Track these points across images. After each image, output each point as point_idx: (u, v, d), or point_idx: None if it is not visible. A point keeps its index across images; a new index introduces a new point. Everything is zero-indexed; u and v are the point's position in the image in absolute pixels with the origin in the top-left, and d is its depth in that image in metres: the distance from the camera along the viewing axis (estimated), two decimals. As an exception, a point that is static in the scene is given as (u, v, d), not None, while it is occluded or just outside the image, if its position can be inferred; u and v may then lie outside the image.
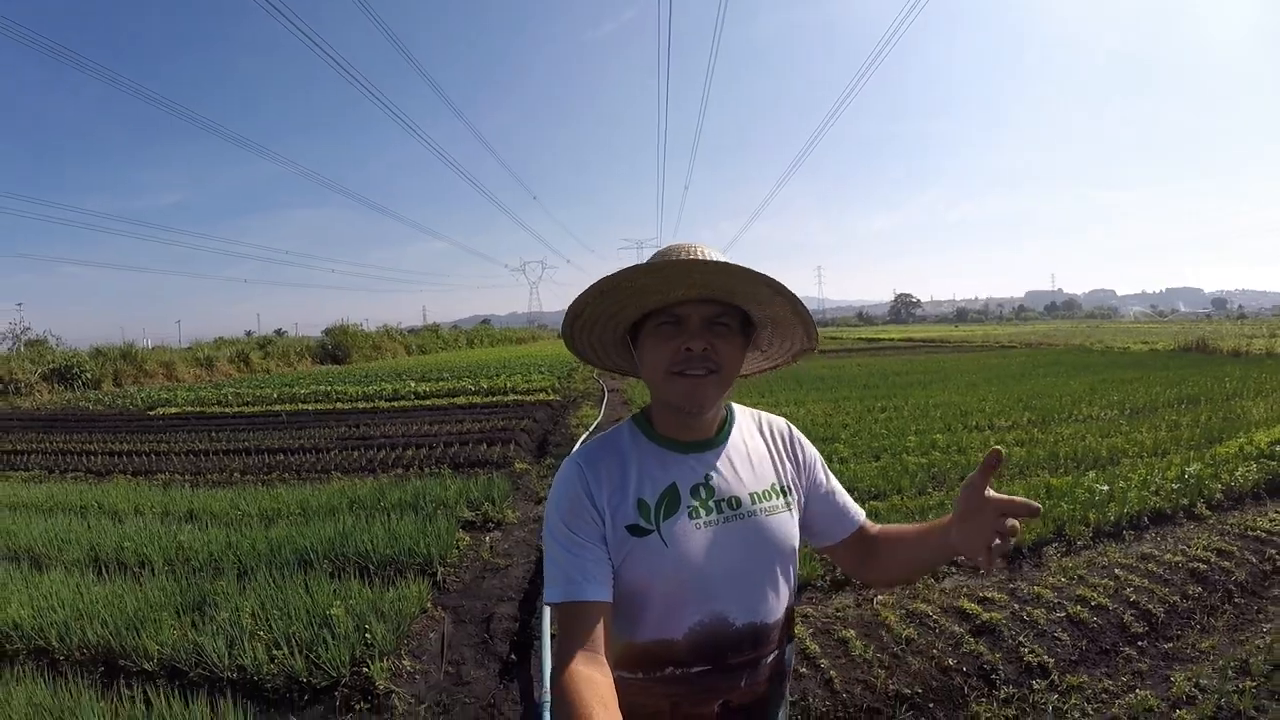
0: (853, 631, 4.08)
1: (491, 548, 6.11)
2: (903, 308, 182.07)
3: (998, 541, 1.22)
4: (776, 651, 1.46)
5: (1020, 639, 3.94)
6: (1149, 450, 8.39)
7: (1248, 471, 7.03)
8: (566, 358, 33.38)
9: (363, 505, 7.11)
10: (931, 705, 3.45)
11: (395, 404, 18.42)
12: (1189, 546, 5.27)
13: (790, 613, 1.50)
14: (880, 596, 4.57)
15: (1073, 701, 3.43)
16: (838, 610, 4.43)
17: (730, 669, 1.40)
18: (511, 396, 18.28)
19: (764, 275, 1.29)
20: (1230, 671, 3.56)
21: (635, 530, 1.37)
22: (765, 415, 1.63)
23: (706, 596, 1.37)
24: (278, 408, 18.87)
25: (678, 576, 1.36)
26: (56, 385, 33.48)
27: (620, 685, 1.24)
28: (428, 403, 18.19)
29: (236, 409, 19.43)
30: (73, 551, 6.16)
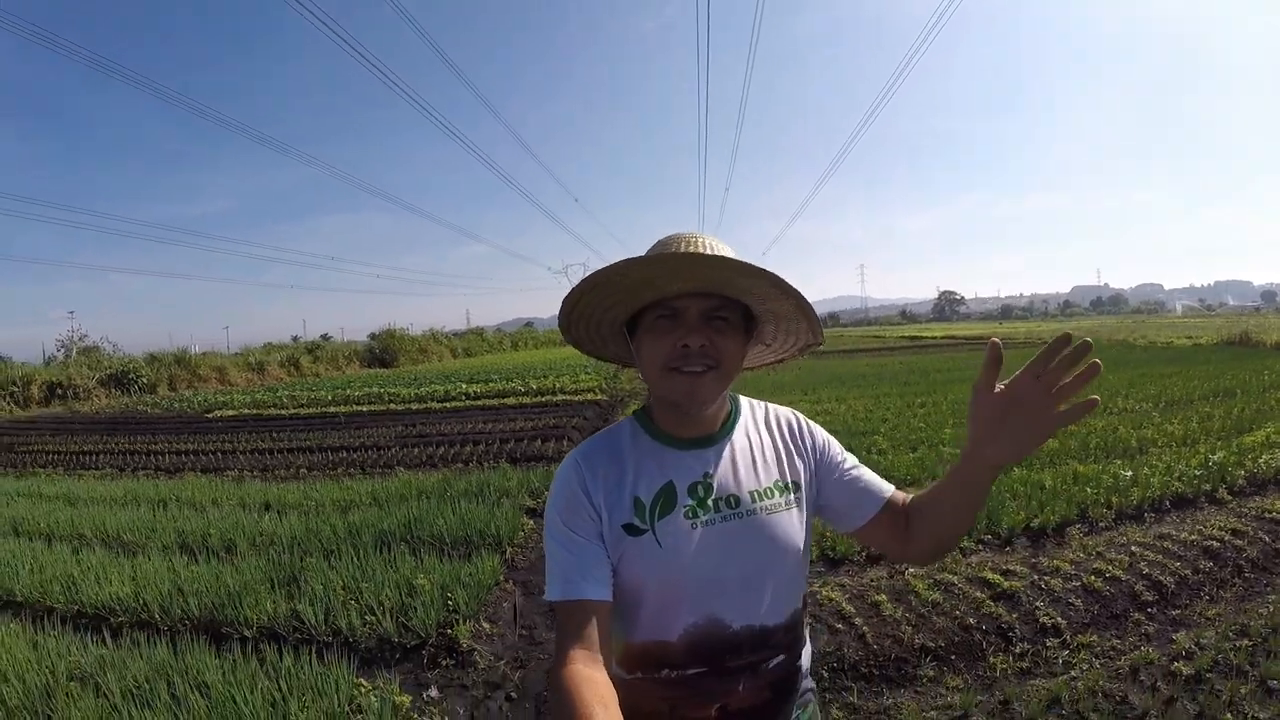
0: (884, 596, 4.53)
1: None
2: (947, 305, 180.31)
3: (1063, 409, 1.22)
4: (782, 657, 1.44)
5: (1037, 604, 4.35)
6: (1178, 440, 8.64)
7: (1271, 459, 7.27)
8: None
9: (430, 494, 7.65)
10: (953, 658, 3.89)
11: (448, 405, 19.08)
12: (1205, 527, 5.57)
13: (798, 616, 1.48)
14: (911, 570, 4.99)
15: (1081, 657, 3.83)
16: (872, 580, 4.86)
17: (728, 672, 1.39)
18: (560, 396, 18.81)
19: (764, 270, 1.26)
20: (1230, 634, 3.92)
21: (630, 529, 1.36)
22: (772, 407, 1.60)
23: (701, 598, 1.36)
24: (333, 410, 19.61)
25: (672, 577, 1.35)
26: (113, 390, 34.70)
27: (618, 685, 1.22)
28: (479, 403, 18.80)
29: (292, 411, 20.20)
30: (161, 538, 6.75)
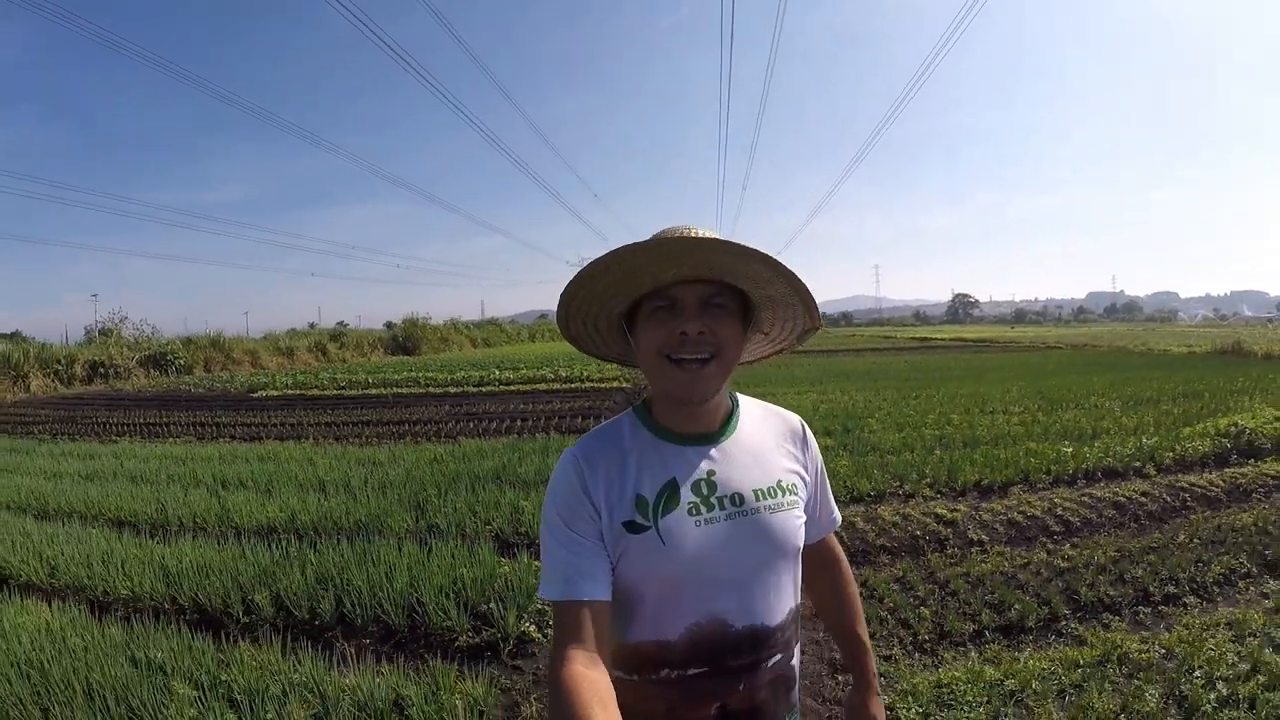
0: (859, 519, 6.24)
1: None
2: (960, 308, 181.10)
3: None
4: (780, 655, 1.45)
5: (969, 528, 6.00)
6: (1129, 430, 10.08)
7: (1200, 445, 8.74)
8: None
9: (501, 452, 9.35)
10: (903, 554, 5.60)
11: (483, 389, 20.77)
12: (1119, 490, 7.08)
13: (795, 614, 1.48)
14: (882, 505, 6.66)
15: (994, 559, 5.41)
16: (851, 514, 6.45)
17: (728, 672, 1.38)
18: (589, 384, 20.44)
19: (759, 251, 1.25)
20: (1110, 551, 5.44)
21: (632, 527, 1.34)
22: (776, 408, 1.60)
23: (705, 597, 1.36)
24: (373, 392, 21.24)
25: (675, 575, 1.34)
26: (152, 370, 36.31)
27: (617, 686, 1.22)
28: (512, 388, 20.45)
29: (334, 392, 21.89)
30: (287, 483, 8.39)
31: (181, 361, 37.80)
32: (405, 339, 53.19)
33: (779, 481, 1.46)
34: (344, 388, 22.96)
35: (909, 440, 9.65)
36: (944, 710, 3.48)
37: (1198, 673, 3.63)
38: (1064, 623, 4.41)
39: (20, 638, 4.25)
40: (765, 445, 1.49)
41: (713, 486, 1.39)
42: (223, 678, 3.75)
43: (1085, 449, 8.60)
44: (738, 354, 1.40)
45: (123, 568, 5.53)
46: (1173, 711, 3.36)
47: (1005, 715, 3.36)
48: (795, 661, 1.51)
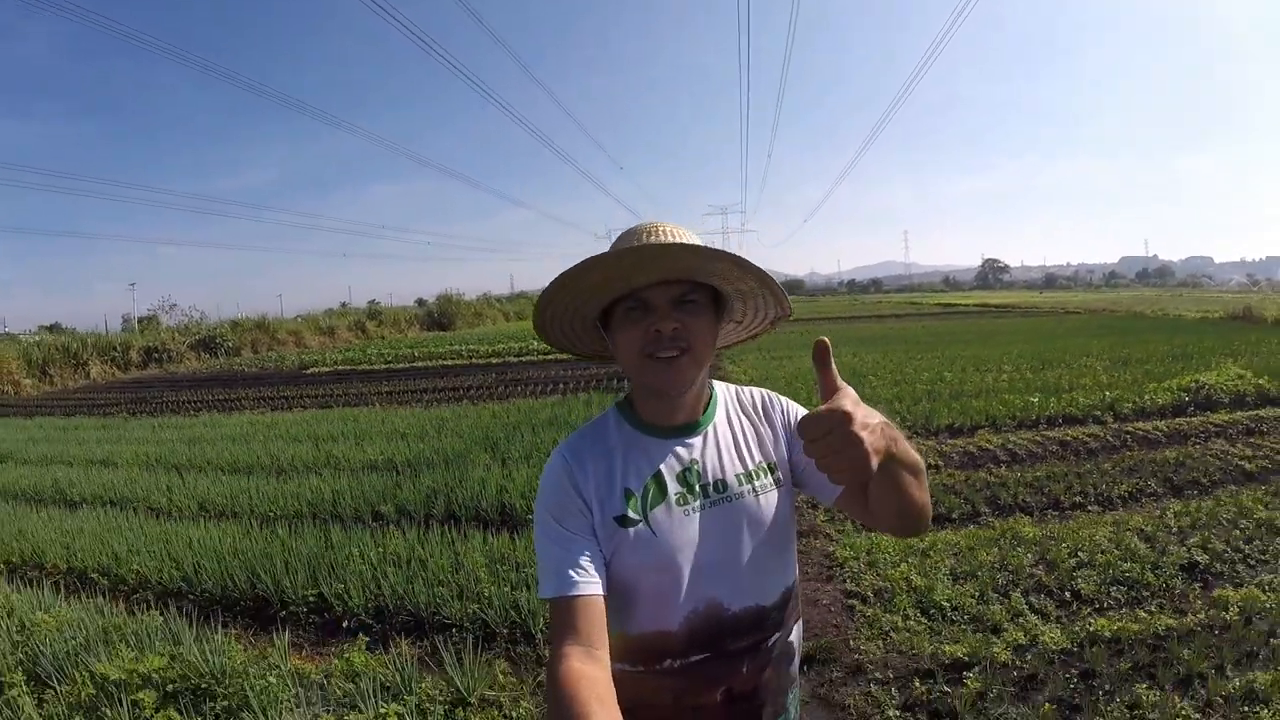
0: None
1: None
2: (990, 273, 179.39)
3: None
4: (779, 634, 1.48)
5: (929, 457, 7.48)
6: (1104, 386, 11.30)
7: (1159, 399, 9.99)
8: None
9: (552, 407, 11.02)
10: None
11: (523, 359, 22.33)
12: (1071, 431, 8.48)
13: (791, 591, 1.52)
14: None
15: (941, 476, 6.89)
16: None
17: (730, 655, 1.42)
18: (624, 352, 22.02)
19: (723, 252, 1.29)
20: (1049, 472, 6.84)
21: (623, 521, 1.38)
22: (744, 389, 1.63)
23: (699, 584, 1.39)
24: (420, 364, 22.95)
25: (669, 565, 1.38)
26: (202, 353, 38.01)
27: (619, 679, 1.24)
28: (551, 356, 21.74)
29: (384, 365, 23.56)
30: (375, 436, 10.04)
31: (230, 344, 39.45)
32: (440, 315, 54.71)
33: (759, 463, 1.50)
34: (391, 361, 24.67)
35: (901, 394, 11.13)
36: (872, 562, 5.04)
37: (1065, 545, 5.05)
38: (983, 517, 5.92)
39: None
40: (743, 429, 1.53)
41: (697, 475, 1.44)
42: (383, 550, 5.47)
43: (1053, 400, 9.96)
44: (712, 346, 1.44)
45: (275, 498, 7.22)
46: (1038, 566, 4.82)
47: (911, 562, 4.89)
48: (794, 636, 1.55)
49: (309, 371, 24.16)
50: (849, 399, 1.09)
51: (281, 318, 49.80)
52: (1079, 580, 4.57)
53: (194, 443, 11.08)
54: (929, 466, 6.92)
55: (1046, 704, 3.34)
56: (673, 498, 1.42)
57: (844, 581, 4.92)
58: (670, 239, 1.36)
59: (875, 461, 1.05)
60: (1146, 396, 10.08)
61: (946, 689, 3.51)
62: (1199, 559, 4.81)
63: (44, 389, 28.85)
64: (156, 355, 36.06)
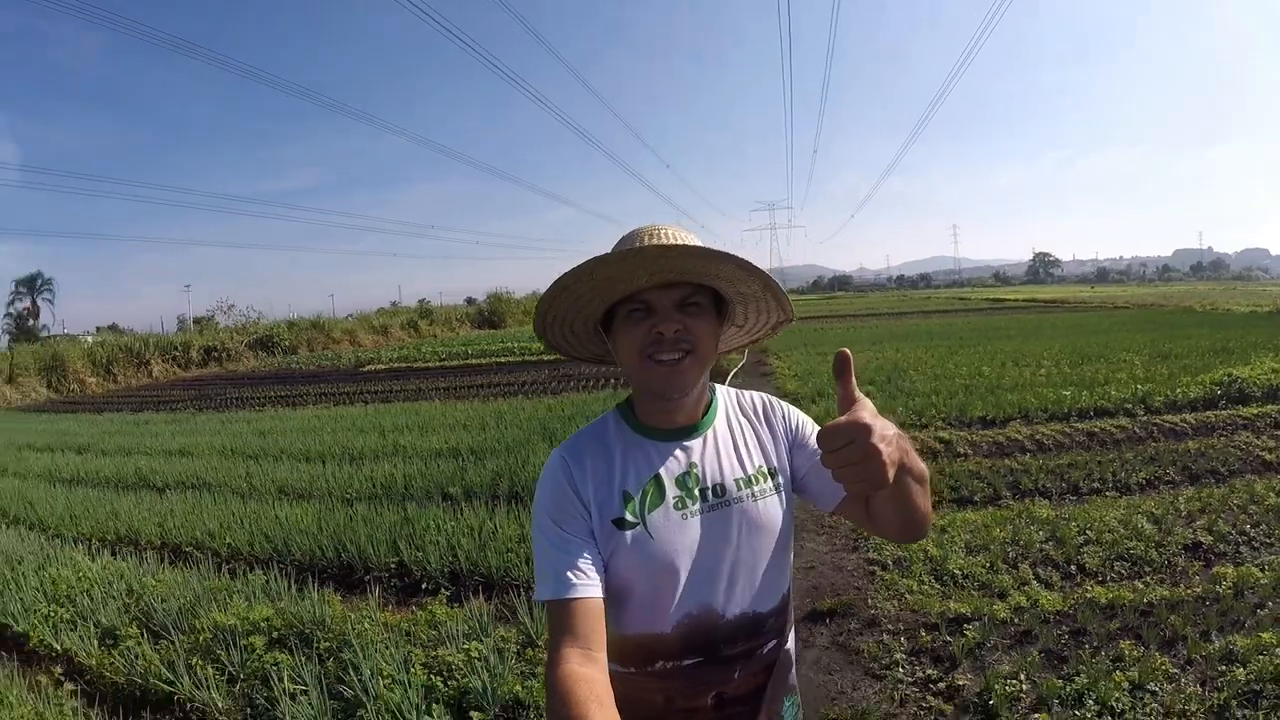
0: None
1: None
2: (1041, 267, 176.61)
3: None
4: (774, 641, 1.49)
5: (959, 445, 7.93)
6: (1139, 380, 11.45)
7: (1191, 392, 10.17)
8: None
9: (605, 400, 11.66)
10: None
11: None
12: (1100, 423, 8.77)
13: (786, 600, 1.52)
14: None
15: (969, 463, 7.32)
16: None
17: (723, 661, 1.42)
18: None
19: (727, 254, 1.30)
20: (1063, 460, 7.24)
21: (620, 524, 1.38)
22: (745, 393, 1.62)
23: (694, 588, 1.39)
24: (474, 361, 23.71)
25: (664, 569, 1.38)
26: (259, 352, 39.32)
27: (612, 679, 1.25)
28: (600, 355, 22.77)
29: (438, 363, 24.42)
30: (438, 427, 10.75)
31: (286, 343, 40.80)
32: (491, 313, 55.69)
33: (759, 468, 1.49)
34: (445, 359, 25.57)
35: (939, 388, 11.51)
36: None
37: (1074, 525, 5.44)
38: (1003, 500, 6.34)
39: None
40: (744, 433, 1.53)
41: (696, 479, 1.43)
42: (456, 523, 6.05)
43: (1085, 393, 10.24)
44: (714, 349, 1.45)
45: (350, 482, 7.91)
46: (1048, 542, 5.24)
47: (930, 537, 5.32)
48: (791, 645, 1.55)
49: (365, 369, 25.15)
50: (867, 411, 1.10)
51: (335, 317, 51.06)
52: (1085, 555, 4.96)
53: (265, 434, 11.92)
54: (958, 455, 7.40)
55: (1037, 654, 3.78)
56: (671, 501, 1.42)
57: (868, 551, 5.42)
58: (673, 242, 1.36)
59: (892, 473, 1.08)
60: (1179, 390, 10.23)
61: (948, 639, 3.99)
62: (1203, 540, 5.13)
63: (108, 387, 30.51)
64: (216, 354, 37.38)
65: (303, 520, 6.52)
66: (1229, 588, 4.34)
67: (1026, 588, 4.55)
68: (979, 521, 5.67)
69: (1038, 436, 8.25)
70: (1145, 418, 9.04)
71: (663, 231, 1.41)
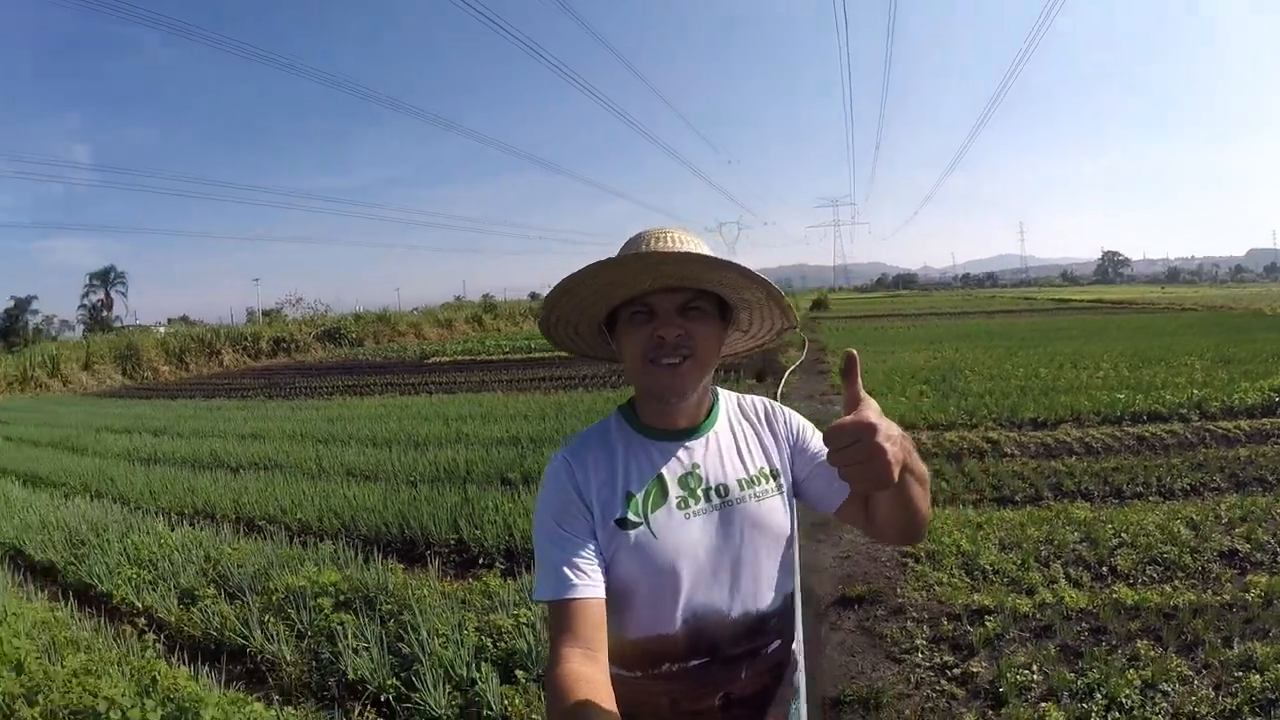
0: (927, 440, 8.37)
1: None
2: (1110, 267, 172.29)
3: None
4: (779, 641, 1.50)
5: (1007, 446, 8.06)
6: (1198, 384, 11.27)
7: (1248, 398, 10.03)
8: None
9: None
10: (948, 462, 7.67)
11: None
12: (1151, 428, 8.73)
13: (789, 600, 1.53)
14: (949, 432, 8.75)
15: (1014, 463, 7.45)
16: (924, 437, 8.56)
17: (729, 660, 1.42)
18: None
19: (729, 262, 1.31)
20: (1109, 464, 7.30)
21: (624, 524, 1.38)
22: (745, 396, 1.64)
23: (699, 588, 1.40)
24: (537, 355, 24.02)
25: (669, 569, 1.38)
26: (327, 344, 40.79)
27: (617, 683, 1.26)
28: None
29: (502, 356, 25.01)
30: (500, 416, 11.19)
31: (353, 335, 42.15)
32: (554, 308, 56.13)
33: (760, 469, 1.51)
34: (509, 352, 26.17)
35: (993, 388, 11.59)
36: (932, 529, 5.58)
37: (1110, 527, 5.52)
38: (1043, 500, 6.43)
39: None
40: (746, 435, 1.54)
41: (698, 480, 1.44)
42: (513, 505, 6.39)
43: (1139, 397, 10.19)
44: (716, 353, 1.46)
45: (414, 465, 8.34)
46: (1082, 543, 5.34)
47: (965, 532, 5.52)
48: (796, 645, 1.57)
49: (430, 361, 26.04)
50: (873, 410, 1.13)
51: (401, 310, 52.21)
52: (1117, 558, 5.03)
53: (333, 421, 12.53)
54: (1005, 455, 7.58)
55: (1053, 648, 3.94)
56: (674, 501, 1.43)
57: (903, 544, 5.60)
58: (678, 246, 1.39)
59: (896, 471, 1.12)
60: (1236, 396, 10.11)
61: (969, 628, 4.19)
62: (1240, 548, 5.11)
63: (180, 375, 32.24)
64: (285, 345, 38.78)
65: (369, 499, 6.95)
66: (1258, 596, 4.35)
67: (1056, 586, 4.67)
68: (1016, 520, 5.80)
69: (1087, 439, 8.29)
70: (1199, 423, 8.95)
71: (669, 235, 1.42)
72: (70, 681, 3.70)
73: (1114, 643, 3.97)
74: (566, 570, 1.32)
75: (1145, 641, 3.91)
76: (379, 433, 10.74)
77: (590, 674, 1.21)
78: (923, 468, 1.31)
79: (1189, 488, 6.59)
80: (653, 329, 1.38)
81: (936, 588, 4.77)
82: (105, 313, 70.01)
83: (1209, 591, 4.50)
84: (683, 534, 1.40)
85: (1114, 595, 4.46)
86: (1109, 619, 4.19)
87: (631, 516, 1.39)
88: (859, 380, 1.18)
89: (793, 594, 1.55)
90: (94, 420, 16.53)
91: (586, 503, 1.40)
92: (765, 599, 1.46)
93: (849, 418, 1.12)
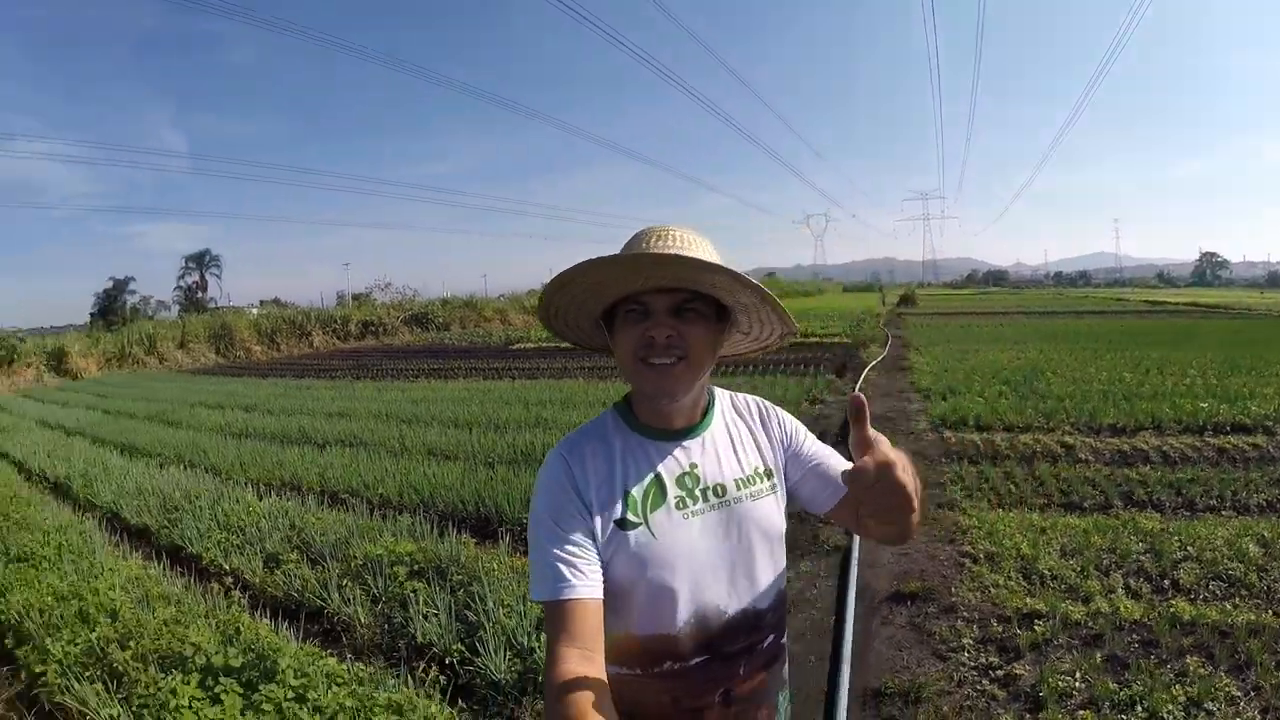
0: (1001, 442, 8.42)
1: (818, 410, 10.84)
2: (1208, 268, 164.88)
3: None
4: (772, 636, 1.54)
5: (1081, 452, 8.00)
6: None
7: None
8: (852, 310, 38.77)
9: (749, 380, 12.27)
10: (1021, 463, 7.67)
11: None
12: (1234, 440, 8.43)
13: (782, 596, 1.56)
14: (1023, 435, 8.75)
15: (1087, 469, 7.38)
16: (1000, 438, 8.60)
17: (728, 658, 1.45)
18: (814, 338, 23.02)
19: (718, 265, 1.32)
20: (1184, 475, 7.11)
21: (623, 524, 1.39)
22: (740, 395, 1.66)
23: (699, 586, 1.42)
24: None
25: (668, 568, 1.39)
26: (414, 328, 41.99)
27: (617, 682, 1.29)
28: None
29: (586, 344, 25.74)
30: (579, 403, 11.61)
31: (440, 320, 43.18)
32: (641, 296, 56.64)
33: (756, 469, 1.53)
34: (594, 341, 26.71)
35: (1074, 392, 11.43)
36: (990, 532, 5.75)
37: (1176, 540, 5.45)
38: (1113, 509, 6.34)
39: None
40: (741, 435, 1.56)
41: (696, 479, 1.46)
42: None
43: (1224, 406, 9.89)
44: (710, 355, 1.46)
45: (493, 447, 8.72)
46: (1146, 554, 5.29)
47: (1027, 536, 5.56)
48: (784, 639, 1.60)
49: (514, 347, 26.65)
50: (886, 446, 1.17)
51: (487, 297, 53.09)
52: (1180, 571, 4.96)
53: (417, 403, 13.09)
54: (1079, 460, 7.71)
55: (1100, 657, 3.97)
56: (672, 501, 1.44)
57: (962, 545, 5.67)
58: (676, 246, 1.39)
59: (917, 501, 1.20)
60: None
61: (1018, 631, 4.25)
62: None
63: (271, 355, 33.93)
64: (373, 328, 40.05)
65: (448, 477, 7.28)
66: (1323, 622, 4.23)
67: (1111, 595, 4.67)
68: (1081, 527, 5.78)
69: (1165, 448, 8.14)
70: (1287, 431, 8.66)
71: (669, 234, 1.43)
72: (160, 629, 4.10)
73: (1164, 657, 3.97)
74: (564, 569, 1.33)
75: (1196, 658, 3.90)
76: (461, 415, 11.12)
77: (590, 676, 1.23)
78: (918, 481, 1.29)
79: (1265, 504, 6.40)
80: (645, 328, 1.40)
81: (991, 589, 4.83)
82: (200, 294, 73.62)
83: (1269, 612, 4.41)
84: (682, 535, 1.43)
85: (1171, 609, 4.43)
86: (1162, 632, 4.17)
87: (631, 517, 1.41)
88: (868, 423, 1.19)
89: (784, 590, 1.58)
90: (188, 396, 17.45)
91: (585, 502, 1.41)
92: (760, 596, 1.50)
93: (868, 459, 1.15)
